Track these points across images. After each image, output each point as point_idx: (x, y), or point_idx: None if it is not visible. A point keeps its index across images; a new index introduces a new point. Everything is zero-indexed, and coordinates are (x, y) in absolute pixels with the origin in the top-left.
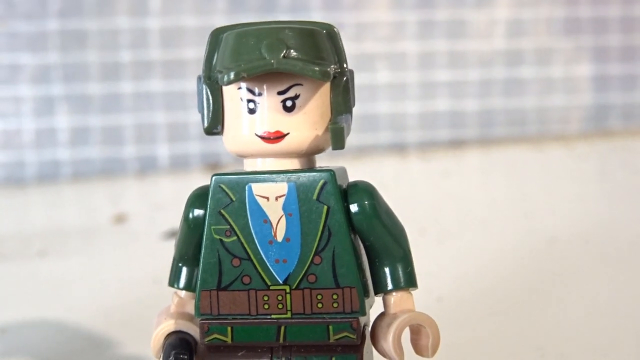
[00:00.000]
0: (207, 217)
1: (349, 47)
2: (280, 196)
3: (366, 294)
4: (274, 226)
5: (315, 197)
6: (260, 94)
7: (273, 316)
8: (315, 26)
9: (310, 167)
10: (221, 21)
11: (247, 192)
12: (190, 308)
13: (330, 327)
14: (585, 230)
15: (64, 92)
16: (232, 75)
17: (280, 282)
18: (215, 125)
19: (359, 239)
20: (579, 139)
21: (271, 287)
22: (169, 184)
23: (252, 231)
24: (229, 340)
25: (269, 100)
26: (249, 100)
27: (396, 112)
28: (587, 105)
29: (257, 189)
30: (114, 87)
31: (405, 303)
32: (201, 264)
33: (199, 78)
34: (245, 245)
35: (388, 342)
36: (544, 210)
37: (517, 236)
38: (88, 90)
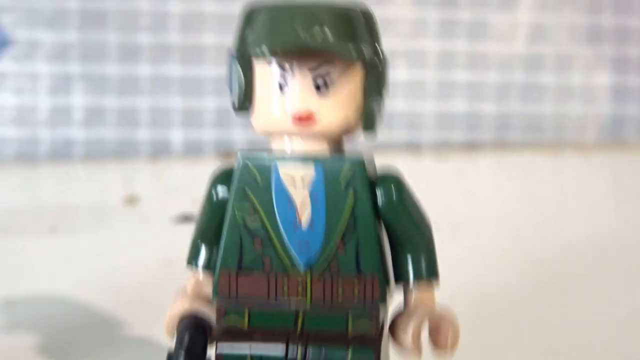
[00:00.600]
0: (232, 195)
1: None
2: (307, 180)
3: (387, 283)
4: (299, 210)
5: (343, 183)
6: (292, 72)
7: (292, 301)
8: (351, 7)
9: (339, 150)
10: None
11: (273, 172)
12: (208, 290)
13: (350, 316)
14: (599, 239)
15: (81, 71)
16: (265, 50)
17: (302, 266)
18: (244, 102)
19: (382, 227)
20: (595, 149)
21: (291, 272)
22: (181, 169)
23: (276, 213)
24: (245, 323)
25: (300, 79)
26: (281, 77)
27: (412, 111)
28: (604, 115)
29: (284, 170)
30: (132, 69)
31: (426, 295)
32: (222, 243)
33: (230, 54)
34: (268, 227)
35: (407, 334)
36: (558, 217)
37: (530, 241)
38: (105, 71)
